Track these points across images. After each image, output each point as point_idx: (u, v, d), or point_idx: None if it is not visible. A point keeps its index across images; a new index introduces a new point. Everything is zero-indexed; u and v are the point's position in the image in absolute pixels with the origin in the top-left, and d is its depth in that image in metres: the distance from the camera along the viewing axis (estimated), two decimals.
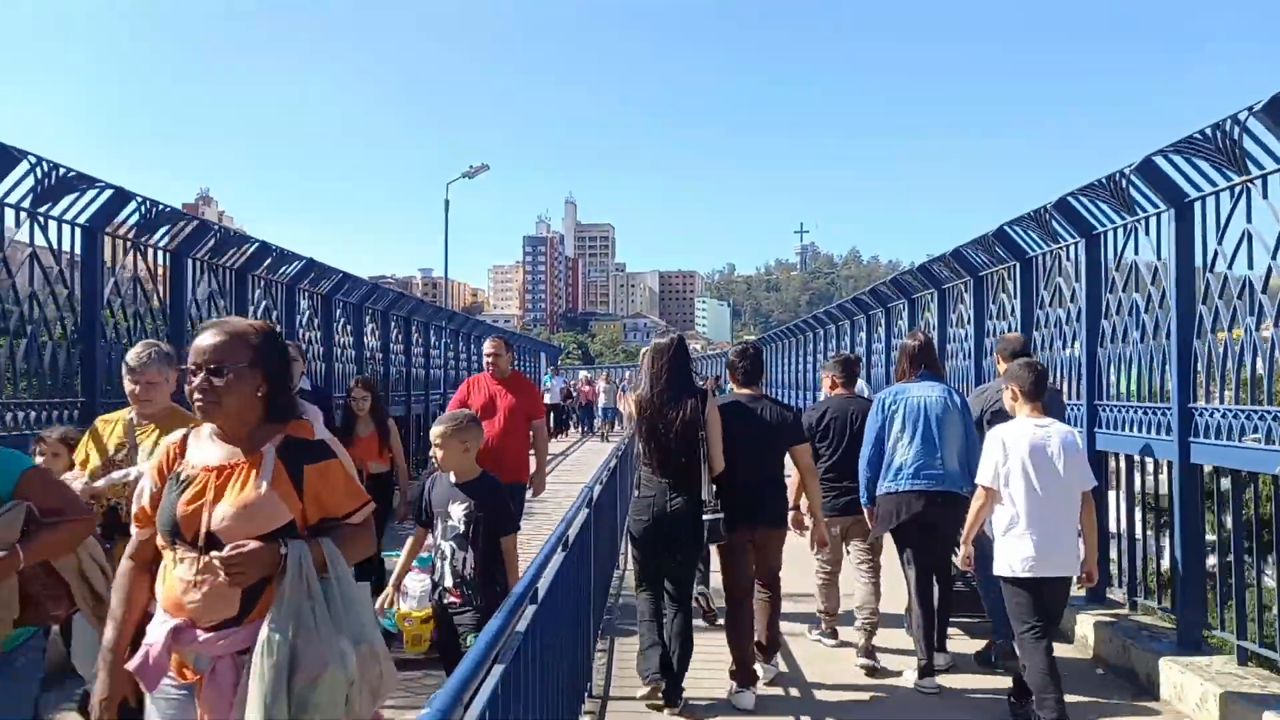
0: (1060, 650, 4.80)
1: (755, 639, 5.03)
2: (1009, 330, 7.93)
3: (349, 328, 12.26)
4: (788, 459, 5.29)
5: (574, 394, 27.08)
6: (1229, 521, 5.09)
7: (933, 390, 5.29)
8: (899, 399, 5.30)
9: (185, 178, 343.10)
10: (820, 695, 5.13)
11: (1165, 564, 5.81)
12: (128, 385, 3.68)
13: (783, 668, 5.43)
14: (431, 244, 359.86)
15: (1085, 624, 5.92)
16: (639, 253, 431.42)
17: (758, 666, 4.98)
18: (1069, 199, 6.39)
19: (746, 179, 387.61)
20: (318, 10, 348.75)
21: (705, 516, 4.61)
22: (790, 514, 5.37)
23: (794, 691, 5.18)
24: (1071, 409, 6.44)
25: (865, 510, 5.47)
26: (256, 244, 8.85)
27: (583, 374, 31.78)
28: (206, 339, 2.40)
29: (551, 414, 25.26)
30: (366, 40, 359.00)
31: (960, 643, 5.87)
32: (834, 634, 5.97)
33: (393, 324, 14.38)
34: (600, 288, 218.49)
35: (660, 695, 4.65)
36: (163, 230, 7.39)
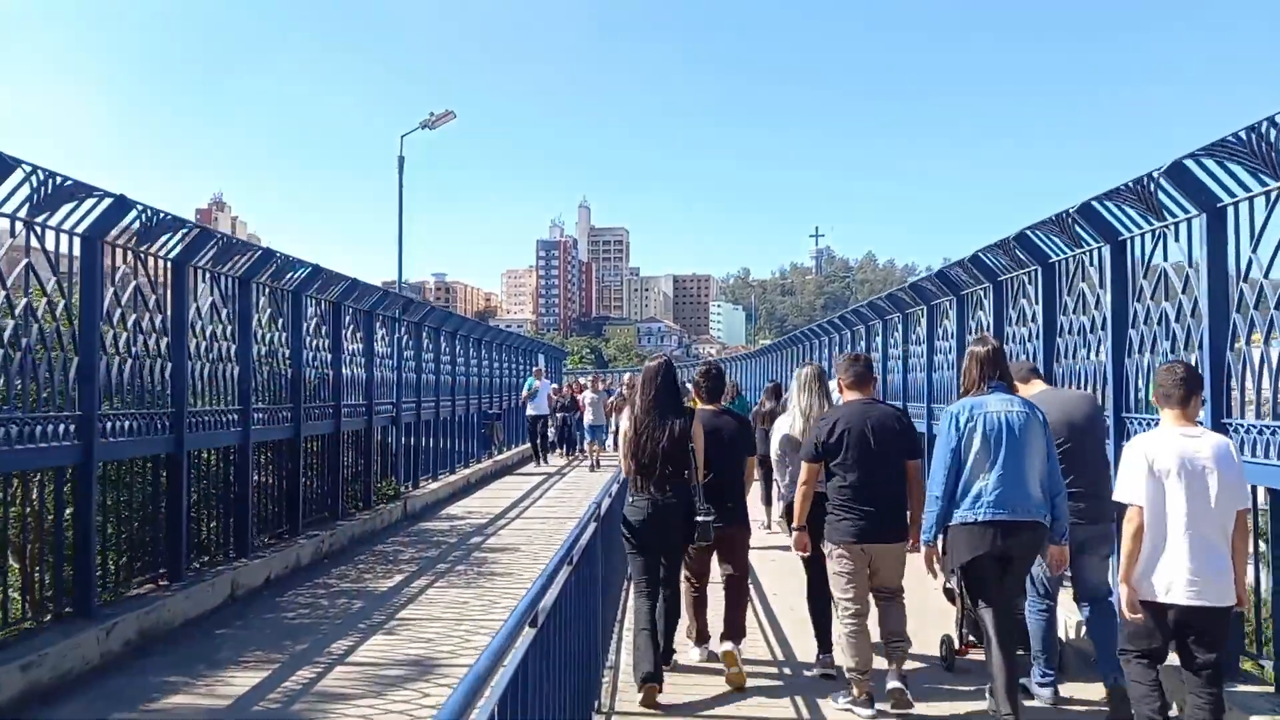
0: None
1: (725, 628, 5.54)
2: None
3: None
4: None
5: (571, 402, 21.18)
6: None
7: (1011, 404, 4.60)
8: (976, 414, 4.57)
9: (199, 182, 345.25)
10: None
11: None
12: None
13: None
14: (443, 248, 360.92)
15: None
16: (653, 257, 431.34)
17: (728, 644, 5.43)
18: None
19: (761, 183, 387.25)
20: (330, 18, 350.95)
21: (699, 518, 5.18)
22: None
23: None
24: None
25: (926, 547, 4.67)
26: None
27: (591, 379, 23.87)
28: None
29: (538, 429, 20.11)
30: (376, 45, 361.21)
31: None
32: (869, 700, 4.85)
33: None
34: (614, 292, 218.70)
35: (655, 695, 4.95)
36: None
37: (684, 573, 5.67)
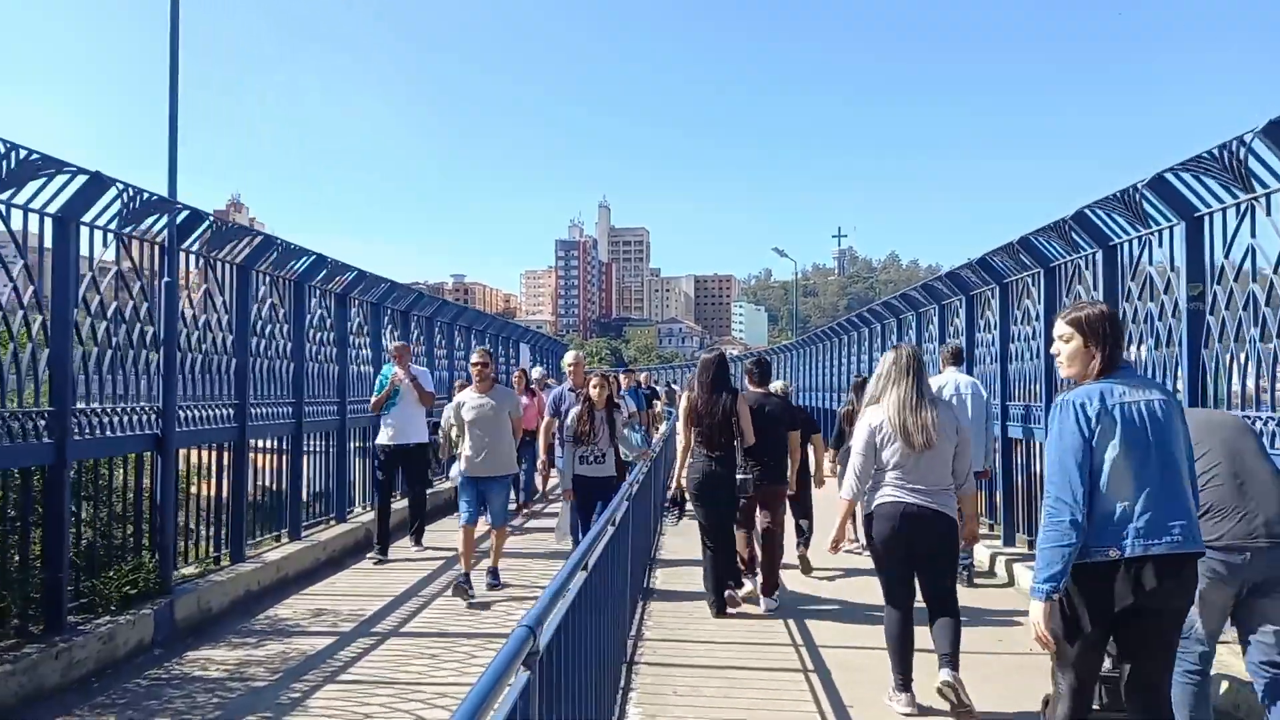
0: None
1: (762, 579, 6.95)
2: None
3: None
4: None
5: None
6: None
7: (1150, 392, 3.26)
8: (1110, 405, 3.19)
9: (216, 180, 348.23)
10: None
11: None
12: None
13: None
14: (462, 249, 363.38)
15: None
16: (674, 258, 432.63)
17: (763, 601, 6.88)
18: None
19: (784, 184, 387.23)
20: (345, 21, 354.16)
21: (738, 476, 6.77)
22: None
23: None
24: None
25: (1048, 602, 3.18)
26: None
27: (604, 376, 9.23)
28: None
29: (394, 477, 9.41)
30: (394, 49, 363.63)
31: None
32: None
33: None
34: (634, 293, 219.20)
35: (715, 608, 6.66)
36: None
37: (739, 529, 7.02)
